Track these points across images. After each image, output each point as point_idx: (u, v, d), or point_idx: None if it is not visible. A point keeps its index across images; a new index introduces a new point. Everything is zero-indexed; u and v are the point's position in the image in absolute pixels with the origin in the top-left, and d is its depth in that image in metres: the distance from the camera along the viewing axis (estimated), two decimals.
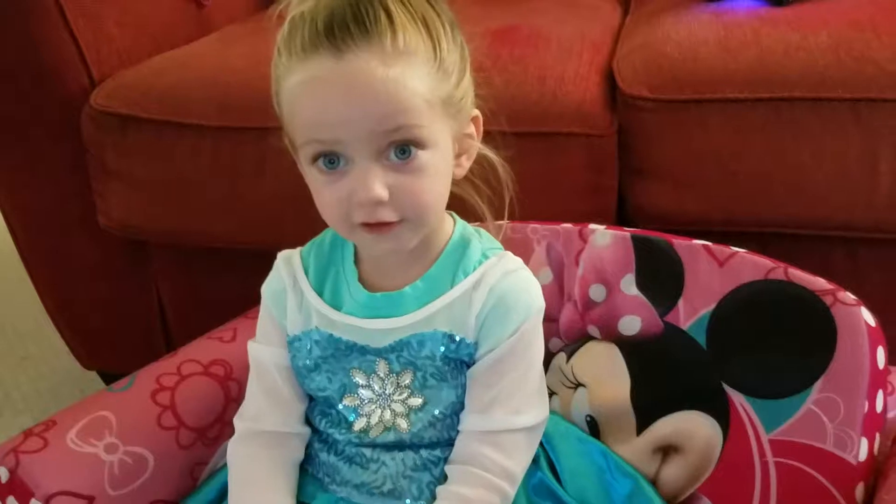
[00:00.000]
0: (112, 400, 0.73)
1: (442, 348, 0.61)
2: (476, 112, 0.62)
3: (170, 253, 1.08)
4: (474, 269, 0.62)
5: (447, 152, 0.58)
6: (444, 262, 0.63)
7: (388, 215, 0.56)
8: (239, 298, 0.87)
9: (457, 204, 0.65)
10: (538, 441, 0.64)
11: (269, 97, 0.94)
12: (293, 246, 0.69)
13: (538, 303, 0.63)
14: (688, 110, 0.87)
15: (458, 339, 0.61)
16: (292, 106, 0.56)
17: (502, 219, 0.69)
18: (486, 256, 0.63)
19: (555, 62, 0.94)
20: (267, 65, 0.97)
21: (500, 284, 0.61)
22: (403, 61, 0.54)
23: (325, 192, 0.57)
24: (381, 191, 0.54)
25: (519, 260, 0.64)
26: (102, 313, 1.14)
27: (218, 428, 0.75)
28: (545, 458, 0.68)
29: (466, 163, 0.62)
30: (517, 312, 0.61)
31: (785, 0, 0.98)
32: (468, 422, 0.62)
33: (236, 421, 0.68)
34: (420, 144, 0.55)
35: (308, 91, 0.55)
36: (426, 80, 0.55)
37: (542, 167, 0.90)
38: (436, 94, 0.56)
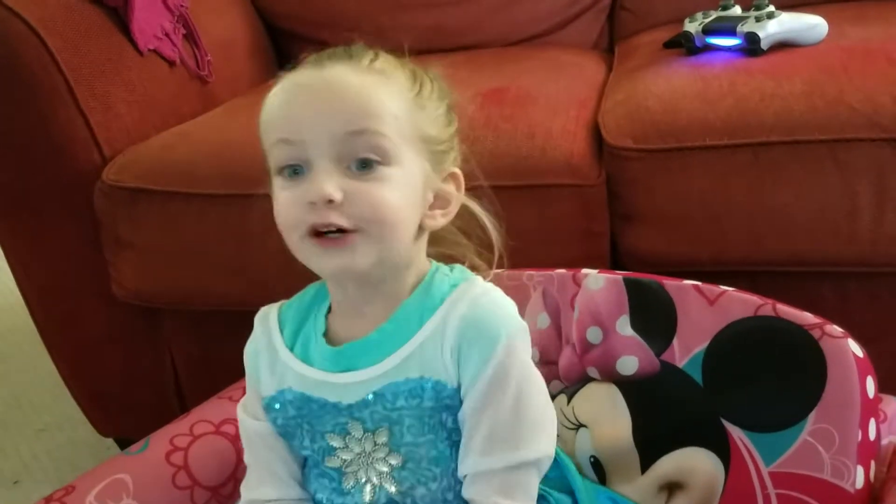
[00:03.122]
0: (128, 463, 0.75)
1: (416, 399, 0.57)
2: (455, 170, 0.61)
3: (181, 317, 1.10)
4: (441, 302, 0.58)
5: (414, 183, 0.57)
6: (411, 302, 0.59)
7: (339, 219, 0.53)
8: None
9: (447, 261, 0.64)
10: (542, 475, 0.60)
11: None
12: None
13: (513, 322, 0.58)
14: (671, 158, 0.90)
15: (433, 383, 0.57)
16: (266, 111, 0.57)
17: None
18: (453, 286, 0.59)
19: (543, 119, 0.98)
20: None
21: (468, 312, 0.57)
22: (378, 76, 0.56)
23: (282, 197, 0.56)
24: (332, 190, 0.53)
25: (488, 283, 0.60)
26: (117, 379, 1.16)
27: (231, 486, 0.77)
28: None
29: (442, 218, 0.60)
30: (490, 335, 0.56)
31: (759, 50, 1.02)
32: (467, 464, 0.58)
33: (242, 488, 0.66)
34: (383, 159, 0.54)
35: (283, 93, 0.57)
36: (398, 100, 0.56)
37: (536, 218, 0.93)
38: (408, 120, 0.56)
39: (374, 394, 0.58)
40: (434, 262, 0.63)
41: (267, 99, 0.58)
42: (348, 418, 0.59)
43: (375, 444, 0.59)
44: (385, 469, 0.60)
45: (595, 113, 1.01)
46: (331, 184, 0.53)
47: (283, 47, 1.58)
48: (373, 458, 0.60)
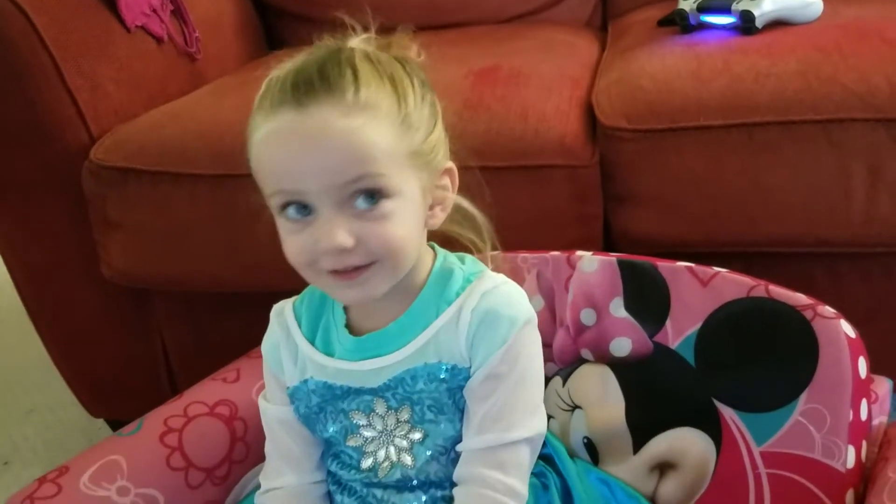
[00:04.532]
0: (122, 444, 0.75)
1: (434, 382, 0.61)
2: (450, 164, 0.62)
3: (172, 299, 1.10)
4: (457, 296, 0.62)
5: (415, 202, 0.58)
6: (426, 294, 0.63)
7: (356, 260, 0.56)
8: (241, 340, 0.89)
9: (451, 242, 0.66)
10: (537, 451, 0.64)
11: None
12: (291, 288, 0.70)
13: (524, 314, 0.61)
14: (664, 139, 0.90)
15: (450, 367, 0.61)
16: (258, 159, 0.57)
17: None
18: (468, 281, 0.63)
19: (536, 99, 0.97)
20: None
21: (482, 304, 0.61)
22: (364, 114, 0.55)
23: (291, 240, 0.57)
24: (344, 239, 0.55)
25: (501, 276, 0.64)
26: (108, 360, 1.15)
27: (226, 467, 0.77)
28: (558, 488, 0.68)
29: (441, 214, 0.62)
30: (502, 326, 0.60)
31: (754, 28, 1.02)
32: (465, 441, 0.62)
33: (261, 478, 0.69)
34: (384, 193, 0.56)
35: (271, 143, 0.56)
36: (387, 133, 0.56)
37: (529, 199, 0.93)
38: (399, 147, 0.56)
39: (396, 378, 0.62)
40: (437, 248, 0.65)
41: (253, 143, 0.58)
42: (372, 397, 0.63)
43: (398, 420, 0.63)
44: (405, 444, 0.63)
45: (588, 93, 1.00)
46: (341, 232, 0.55)
47: (271, 24, 1.56)
48: (394, 435, 0.63)
